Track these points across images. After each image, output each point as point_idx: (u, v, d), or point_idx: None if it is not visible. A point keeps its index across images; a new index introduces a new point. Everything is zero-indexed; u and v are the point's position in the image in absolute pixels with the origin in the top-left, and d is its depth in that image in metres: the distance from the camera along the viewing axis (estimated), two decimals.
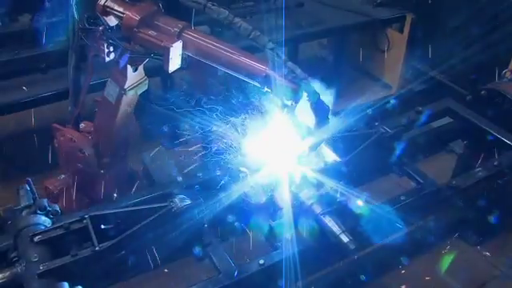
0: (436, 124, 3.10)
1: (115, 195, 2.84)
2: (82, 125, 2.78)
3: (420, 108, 2.85)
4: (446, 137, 3.16)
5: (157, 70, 3.73)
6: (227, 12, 1.91)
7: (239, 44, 2.09)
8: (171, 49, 2.02)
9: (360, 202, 2.00)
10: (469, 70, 3.98)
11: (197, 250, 2.04)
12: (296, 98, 1.86)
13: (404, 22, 4.61)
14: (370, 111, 3.16)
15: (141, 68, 2.47)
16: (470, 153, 3.07)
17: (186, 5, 1.97)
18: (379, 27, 4.65)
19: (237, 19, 1.91)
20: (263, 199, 2.03)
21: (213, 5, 1.92)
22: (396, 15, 4.64)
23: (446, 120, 3.08)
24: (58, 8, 3.64)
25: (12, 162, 3.27)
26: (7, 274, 1.68)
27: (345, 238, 1.83)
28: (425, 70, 4.46)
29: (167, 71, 2.08)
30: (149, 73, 3.83)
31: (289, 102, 1.88)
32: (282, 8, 4.49)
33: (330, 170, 2.10)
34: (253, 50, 2.02)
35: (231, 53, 1.98)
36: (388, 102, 4.21)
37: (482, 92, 2.91)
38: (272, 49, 1.85)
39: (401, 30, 4.69)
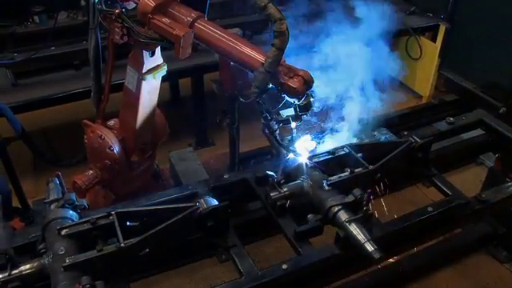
0: (466, 135, 3.04)
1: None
2: (111, 122, 2.80)
3: (451, 118, 2.80)
4: (477, 149, 3.09)
5: (187, 72, 3.83)
6: None
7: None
8: (182, 37, 2.05)
9: None
10: (504, 82, 3.90)
11: (220, 251, 2.04)
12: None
13: (437, 31, 4.56)
14: (399, 120, 3.12)
15: (158, 53, 2.48)
16: (502, 166, 3.00)
17: None
18: (412, 36, 4.60)
19: None
20: None
21: None
22: (429, 24, 4.60)
23: (477, 132, 3.01)
24: None
25: (43, 156, 3.34)
26: (35, 264, 1.72)
27: (369, 247, 1.79)
28: (457, 80, 4.39)
29: (177, 58, 2.12)
30: (179, 74, 3.90)
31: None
32: (311, 13, 4.48)
33: (357, 178, 2.07)
34: None
35: (237, 44, 2.02)
36: (418, 111, 4.17)
37: None
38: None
39: (433, 39, 4.63)
